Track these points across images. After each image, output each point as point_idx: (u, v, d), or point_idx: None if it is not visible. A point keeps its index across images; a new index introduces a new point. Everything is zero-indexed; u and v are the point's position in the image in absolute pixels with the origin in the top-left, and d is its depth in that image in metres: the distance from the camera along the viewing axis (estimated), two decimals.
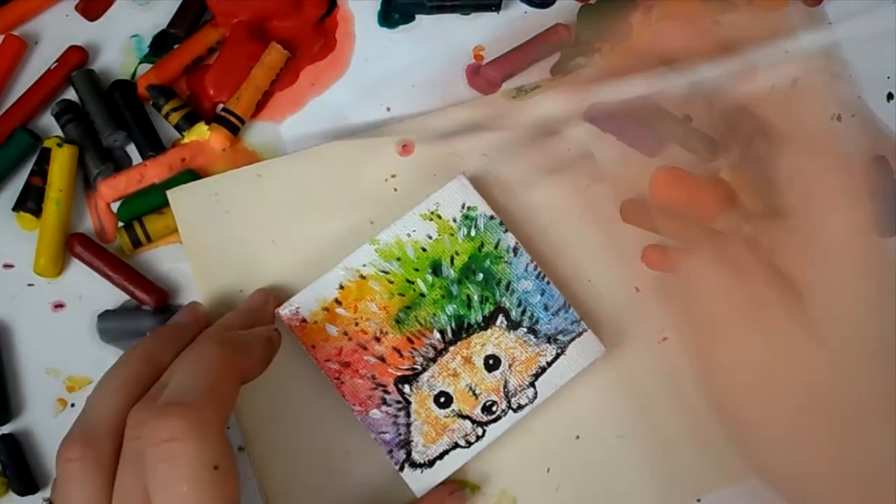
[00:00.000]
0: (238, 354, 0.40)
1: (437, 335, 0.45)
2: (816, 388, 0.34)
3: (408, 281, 0.46)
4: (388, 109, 0.52)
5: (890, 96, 0.54)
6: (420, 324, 0.46)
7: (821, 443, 0.36)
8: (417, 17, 0.53)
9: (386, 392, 0.45)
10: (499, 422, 0.45)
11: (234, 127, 0.50)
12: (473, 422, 0.45)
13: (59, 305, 0.49)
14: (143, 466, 0.36)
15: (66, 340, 0.49)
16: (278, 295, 0.47)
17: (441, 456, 0.45)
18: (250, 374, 0.41)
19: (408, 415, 0.45)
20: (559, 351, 0.46)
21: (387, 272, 0.46)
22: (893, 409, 0.33)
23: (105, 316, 0.48)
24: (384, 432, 0.45)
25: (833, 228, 0.34)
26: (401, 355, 0.45)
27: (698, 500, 0.47)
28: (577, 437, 0.47)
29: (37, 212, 0.49)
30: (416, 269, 0.46)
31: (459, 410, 0.45)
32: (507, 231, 0.46)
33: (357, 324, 0.45)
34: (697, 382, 0.42)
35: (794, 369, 0.35)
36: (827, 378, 0.34)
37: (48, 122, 0.51)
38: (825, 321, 0.34)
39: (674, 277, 0.45)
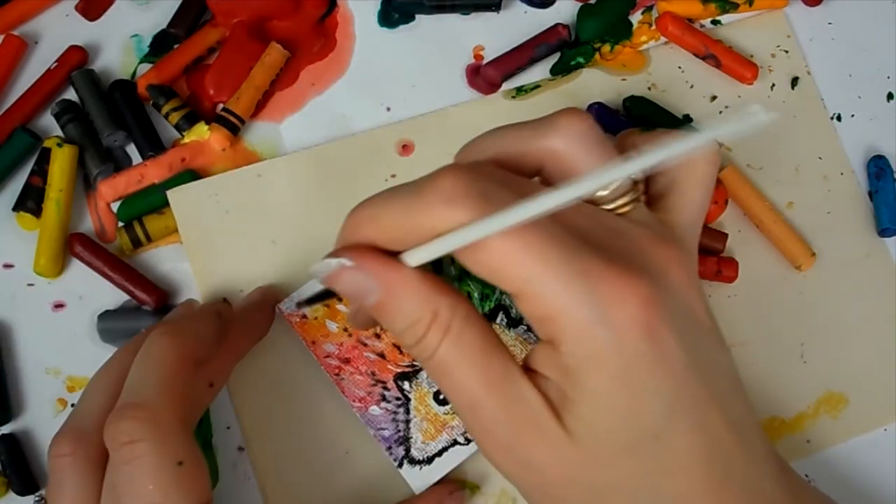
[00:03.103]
0: (186, 340, 0.40)
1: None
2: (586, 485, 0.34)
3: None
4: (388, 109, 0.52)
5: (890, 96, 0.54)
6: None
7: None
8: (417, 17, 0.53)
9: (385, 388, 0.45)
10: None
11: (234, 127, 0.50)
12: None
13: (59, 305, 0.49)
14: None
15: (66, 340, 0.48)
16: (278, 295, 0.47)
17: (440, 453, 0.45)
18: (204, 356, 0.41)
19: (407, 411, 0.45)
20: None
21: None
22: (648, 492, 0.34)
23: (105, 316, 0.48)
24: (383, 429, 0.45)
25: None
26: (400, 352, 0.45)
27: None
28: None
29: (37, 212, 0.49)
30: None
31: None
32: None
33: None
34: None
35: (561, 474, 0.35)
36: (594, 473, 0.34)
37: (48, 122, 0.51)
38: (581, 426, 0.33)
39: None
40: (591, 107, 0.51)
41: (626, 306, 0.31)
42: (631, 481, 0.33)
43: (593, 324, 0.31)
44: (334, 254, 0.35)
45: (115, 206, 0.50)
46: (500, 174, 0.33)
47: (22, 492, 0.46)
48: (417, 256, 0.33)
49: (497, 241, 0.31)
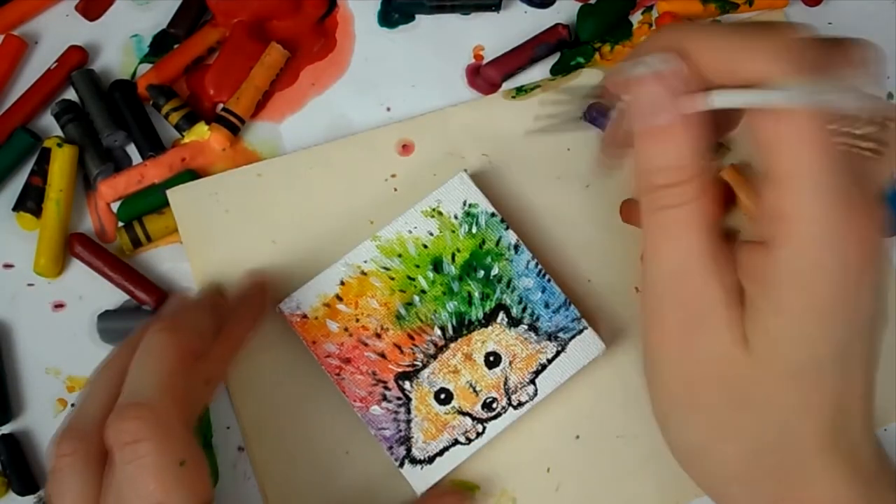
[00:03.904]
0: (186, 336, 0.40)
1: (438, 332, 0.45)
2: (737, 390, 0.34)
3: (409, 277, 0.46)
4: (388, 109, 0.52)
5: (890, 96, 0.54)
6: (421, 320, 0.45)
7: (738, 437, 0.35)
8: (417, 17, 0.53)
9: (386, 388, 0.45)
10: (499, 419, 0.45)
11: (234, 127, 0.50)
12: (473, 418, 0.45)
13: (59, 305, 0.49)
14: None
15: (66, 340, 0.48)
16: (277, 295, 0.47)
17: (441, 452, 0.45)
18: (203, 350, 0.41)
19: (408, 411, 0.45)
20: (560, 348, 0.46)
21: (388, 268, 0.46)
22: (817, 417, 0.34)
23: (105, 316, 0.48)
24: (384, 429, 0.45)
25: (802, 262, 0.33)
26: (401, 352, 0.45)
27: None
28: (577, 437, 0.47)
29: (37, 212, 0.49)
30: (417, 266, 0.46)
31: (460, 407, 0.45)
32: (508, 228, 0.46)
33: (358, 320, 0.45)
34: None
35: (717, 369, 0.34)
36: (749, 381, 0.34)
37: (48, 122, 0.51)
38: (760, 336, 0.33)
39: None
40: (590, 107, 0.51)
41: (865, 249, 0.31)
42: (775, 406, 0.34)
43: (829, 247, 0.31)
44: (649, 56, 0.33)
45: (115, 206, 0.50)
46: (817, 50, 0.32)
47: (22, 492, 0.46)
48: (725, 98, 0.32)
49: (801, 120, 0.31)
